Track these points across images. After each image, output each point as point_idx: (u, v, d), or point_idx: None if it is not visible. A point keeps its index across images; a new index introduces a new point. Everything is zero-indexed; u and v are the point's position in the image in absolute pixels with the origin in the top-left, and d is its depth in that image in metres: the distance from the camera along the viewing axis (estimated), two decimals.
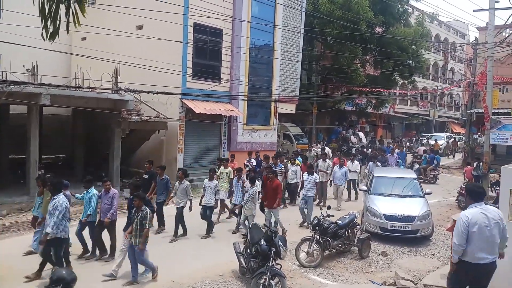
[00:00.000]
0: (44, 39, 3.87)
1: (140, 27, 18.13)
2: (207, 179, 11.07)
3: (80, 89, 15.11)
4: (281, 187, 11.23)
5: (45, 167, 15.74)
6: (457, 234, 5.42)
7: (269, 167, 12.90)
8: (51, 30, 3.79)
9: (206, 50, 18.52)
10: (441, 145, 33.48)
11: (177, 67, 16.67)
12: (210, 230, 10.83)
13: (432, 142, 32.65)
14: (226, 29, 19.10)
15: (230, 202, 12.07)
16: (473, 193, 5.61)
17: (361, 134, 33.53)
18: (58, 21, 3.78)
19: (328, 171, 15.03)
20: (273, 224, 10.49)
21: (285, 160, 15.16)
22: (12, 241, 10.21)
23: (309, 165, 12.95)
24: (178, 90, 16.34)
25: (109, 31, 14.78)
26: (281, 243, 7.46)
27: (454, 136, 38.82)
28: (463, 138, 40.03)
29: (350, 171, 15.51)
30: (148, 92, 12.66)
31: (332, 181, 14.75)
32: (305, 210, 12.06)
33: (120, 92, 15.06)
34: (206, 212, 10.77)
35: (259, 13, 20.59)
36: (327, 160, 15.59)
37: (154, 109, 16.75)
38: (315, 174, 12.46)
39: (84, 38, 20.13)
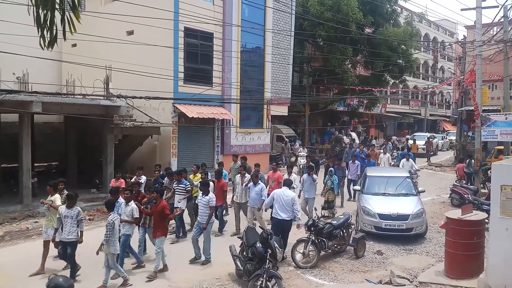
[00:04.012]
0: (42, 48, 3.89)
1: (130, 33, 18.09)
2: (64, 206, 8.30)
3: (72, 96, 15.05)
4: (168, 210, 8.75)
5: (38, 175, 15.68)
6: (267, 200, 9.78)
7: (151, 185, 10.38)
8: (48, 39, 3.81)
9: (197, 54, 18.54)
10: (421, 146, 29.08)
11: (168, 72, 16.65)
12: (73, 273, 8.11)
13: (410, 142, 28.97)
14: (217, 33, 19.13)
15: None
16: (285, 184, 9.65)
17: (353, 135, 33.70)
18: (55, 29, 3.80)
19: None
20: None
21: (189, 177, 12.00)
22: (7, 250, 10.14)
23: (202, 183, 9.81)
24: (170, 95, 16.35)
25: (99, 37, 14.76)
26: (276, 245, 7.50)
27: (428, 136, 33.59)
28: (446, 137, 40.15)
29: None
30: (140, 97, 12.63)
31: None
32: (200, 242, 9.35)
33: (111, 98, 15.03)
34: (67, 251, 8.10)
35: (249, 16, 20.67)
36: (247, 175, 11.78)
37: (146, 114, 16.72)
38: (211, 194, 9.39)
39: (74, 45, 20.06)
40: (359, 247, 9.66)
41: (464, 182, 17.58)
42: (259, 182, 11.00)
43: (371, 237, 10.73)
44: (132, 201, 8.76)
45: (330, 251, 9.52)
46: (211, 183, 10.91)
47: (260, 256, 7.35)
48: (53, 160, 21.15)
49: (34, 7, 3.72)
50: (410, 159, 16.96)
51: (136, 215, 8.56)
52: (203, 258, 9.21)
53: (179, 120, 17.91)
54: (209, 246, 9.20)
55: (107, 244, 7.68)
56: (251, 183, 10.99)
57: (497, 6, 17.06)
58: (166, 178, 11.83)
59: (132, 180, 11.67)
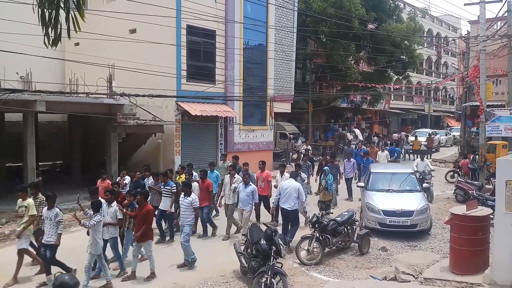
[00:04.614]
0: (46, 46, 3.91)
1: (133, 31, 18.11)
2: (45, 208, 8.09)
3: (75, 95, 15.09)
4: (152, 214, 8.69)
5: (42, 174, 15.73)
6: (277, 192, 10.13)
7: (133, 188, 10.14)
8: (52, 37, 3.82)
9: (200, 52, 18.53)
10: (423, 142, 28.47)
11: (171, 69, 16.67)
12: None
13: (412, 138, 29.51)
14: (219, 30, 19.11)
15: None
16: (291, 176, 10.45)
17: (357, 131, 33.64)
18: (59, 28, 3.81)
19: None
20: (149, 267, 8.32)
21: (176, 177, 11.94)
22: (12, 249, 10.17)
23: (184, 183, 9.65)
24: (173, 93, 16.33)
25: (102, 36, 14.78)
26: (281, 242, 7.50)
27: (429, 132, 32.43)
28: (450, 133, 39.90)
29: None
30: (143, 95, 12.67)
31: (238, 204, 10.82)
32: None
33: (115, 96, 15.06)
34: (46, 254, 7.89)
35: (252, 13, 20.62)
36: (236, 175, 11.33)
37: (150, 113, 16.73)
38: (193, 194, 9.22)
39: (77, 44, 20.10)
40: (363, 243, 9.64)
41: (467, 177, 17.53)
42: (251, 183, 10.63)
43: (376, 233, 10.71)
44: (115, 202, 8.57)
45: (334, 247, 9.51)
46: (195, 184, 10.77)
47: (264, 253, 7.34)
48: (57, 159, 21.24)
49: (39, 5, 3.74)
50: (425, 159, 16.39)
51: (120, 216, 8.40)
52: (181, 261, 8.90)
53: (182, 118, 17.92)
54: (189, 249, 8.85)
55: (91, 244, 7.62)
56: (242, 183, 10.63)
57: (501, 1, 16.93)
58: (150, 179, 11.45)
59: (117, 180, 11.39)
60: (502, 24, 19.90)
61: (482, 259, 7.83)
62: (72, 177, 17.85)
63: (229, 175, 11.38)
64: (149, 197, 10.33)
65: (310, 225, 9.28)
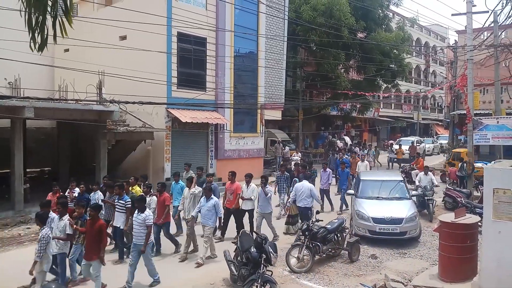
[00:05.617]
0: (32, 50, 3.88)
1: (123, 38, 18.08)
2: None
3: (64, 101, 14.99)
4: (106, 229, 7.98)
5: (30, 180, 15.55)
6: (292, 194, 11.68)
7: (81, 199, 9.42)
8: (39, 42, 3.79)
9: (190, 59, 18.54)
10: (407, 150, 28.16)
11: (162, 76, 16.64)
12: None
13: (396, 147, 28.91)
14: (210, 38, 19.16)
15: None
16: (305, 177, 12.32)
17: (347, 139, 33.82)
18: (45, 33, 3.79)
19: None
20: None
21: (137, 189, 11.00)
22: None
23: (138, 199, 8.77)
24: (163, 100, 16.30)
25: (92, 42, 14.73)
26: (271, 250, 7.48)
27: (412, 141, 31.53)
28: (437, 141, 40.31)
29: (244, 198, 11.02)
30: (133, 102, 12.63)
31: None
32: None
33: (104, 103, 14.99)
34: None
35: (242, 21, 20.71)
36: (196, 186, 10.75)
37: (139, 119, 16.67)
38: (147, 211, 8.40)
39: (67, 50, 20.00)
40: (353, 251, 9.66)
41: (455, 185, 17.63)
42: (212, 196, 9.69)
43: (365, 241, 10.74)
44: (67, 215, 8.05)
45: (324, 255, 9.51)
46: (154, 198, 10.07)
47: (254, 261, 7.32)
48: (45, 165, 21.00)
49: (26, 10, 3.70)
50: (429, 173, 15.02)
51: (69, 231, 7.88)
52: (151, 280, 8.30)
53: (172, 125, 17.87)
54: (153, 267, 8.26)
55: (40, 261, 7.13)
56: (203, 197, 9.77)
57: (487, 11, 17.29)
58: (98, 193, 10.70)
59: (66, 193, 10.89)
60: (489, 35, 20.21)
61: (470, 266, 7.89)
62: (60, 185, 17.61)
63: (187, 188, 10.55)
64: (104, 211, 9.96)
65: (300, 233, 9.27)
